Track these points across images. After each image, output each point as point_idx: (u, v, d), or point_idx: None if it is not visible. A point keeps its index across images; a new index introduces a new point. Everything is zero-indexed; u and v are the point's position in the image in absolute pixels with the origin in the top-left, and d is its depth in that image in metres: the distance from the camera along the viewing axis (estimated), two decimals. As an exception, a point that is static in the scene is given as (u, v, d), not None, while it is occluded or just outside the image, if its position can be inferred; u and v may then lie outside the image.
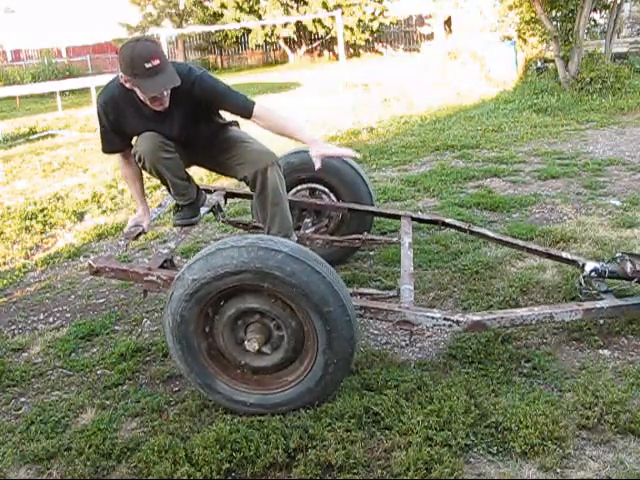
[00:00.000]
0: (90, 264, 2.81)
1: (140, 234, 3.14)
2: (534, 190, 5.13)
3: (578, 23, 9.61)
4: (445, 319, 2.46)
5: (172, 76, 2.61)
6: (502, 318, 2.53)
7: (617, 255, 3.03)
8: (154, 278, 2.67)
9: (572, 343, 2.81)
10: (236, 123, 3.20)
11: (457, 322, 2.46)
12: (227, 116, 3.19)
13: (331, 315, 2.23)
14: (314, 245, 3.46)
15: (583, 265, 3.01)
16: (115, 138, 2.91)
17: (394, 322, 2.48)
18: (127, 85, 2.67)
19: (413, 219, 3.57)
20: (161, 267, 2.76)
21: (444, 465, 2.03)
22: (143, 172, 3.06)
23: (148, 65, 2.53)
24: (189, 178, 3.10)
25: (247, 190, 3.21)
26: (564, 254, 3.24)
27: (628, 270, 2.90)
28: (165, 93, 2.66)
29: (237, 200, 4.83)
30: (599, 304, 2.66)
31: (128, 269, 2.75)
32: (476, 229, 3.48)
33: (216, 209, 3.56)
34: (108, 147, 2.99)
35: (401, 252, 3.08)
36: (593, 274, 2.94)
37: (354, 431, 2.22)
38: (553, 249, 3.51)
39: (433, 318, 2.46)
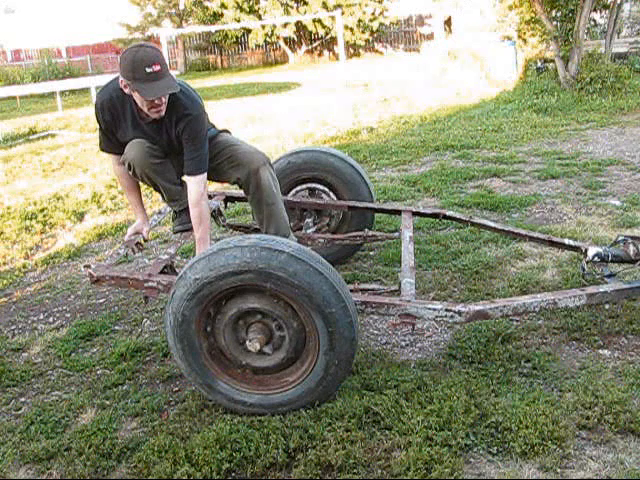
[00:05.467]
0: (90, 273, 2.81)
1: (140, 243, 3.16)
2: (534, 190, 5.13)
3: (578, 23, 9.61)
4: (447, 310, 2.45)
5: (171, 83, 2.61)
6: (504, 306, 2.50)
7: (619, 238, 2.96)
8: (154, 284, 2.68)
9: (572, 343, 2.81)
10: (226, 131, 3.20)
11: (459, 312, 2.44)
12: (218, 125, 3.19)
13: (333, 316, 2.23)
14: (316, 245, 3.46)
15: (586, 250, 2.97)
16: (113, 138, 2.92)
17: (396, 315, 2.47)
18: (126, 90, 2.66)
19: (414, 214, 3.59)
20: (161, 273, 2.77)
21: (444, 465, 2.03)
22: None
23: (149, 70, 2.54)
24: (182, 183, 3.09)
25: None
26: (566, 241, 3.22)
27: (631, 253, 2.85)
28: (163, 100, 2.65)
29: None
30: (603, 288, 2.60)
31: (128, 277, 2.76)
32: (477, 220, 3.51)
33: (216, 214, 3.56)
34: (105, 146, 3.00)
35: (402, 246, 3.08)
36: (596, 259, 2.89)
37: (354, 431, 2.22)
38: (555, 237, 3.49)
39: (435, 310, 2.45)
